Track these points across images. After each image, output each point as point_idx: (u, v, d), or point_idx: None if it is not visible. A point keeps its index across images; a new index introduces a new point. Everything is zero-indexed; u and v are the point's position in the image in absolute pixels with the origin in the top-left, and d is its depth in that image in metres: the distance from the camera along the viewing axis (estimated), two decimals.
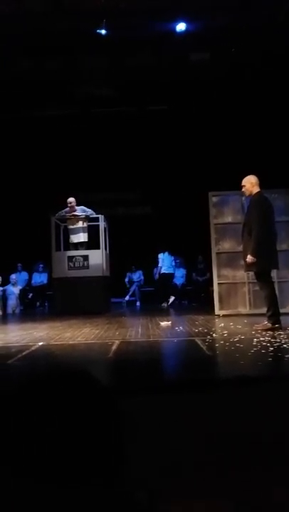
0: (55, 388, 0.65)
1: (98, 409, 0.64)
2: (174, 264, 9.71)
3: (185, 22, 7.57)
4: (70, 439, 0.59)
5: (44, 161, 10.60)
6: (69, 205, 7.67)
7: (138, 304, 10.14)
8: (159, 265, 9.52)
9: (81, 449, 0.59)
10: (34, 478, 0.58)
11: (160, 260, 9.51)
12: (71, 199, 7.71)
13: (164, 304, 9.13)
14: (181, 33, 7.72)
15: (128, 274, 10.62)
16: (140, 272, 10.60)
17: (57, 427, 0.60)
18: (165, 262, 9.50)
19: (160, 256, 9.51)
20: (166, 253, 9.53)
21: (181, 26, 7.69)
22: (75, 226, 7.75)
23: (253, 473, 1.26)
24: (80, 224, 7.75)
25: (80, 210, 7.75)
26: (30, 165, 10.59)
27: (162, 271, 9.46)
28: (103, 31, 7.61)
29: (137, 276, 10.55)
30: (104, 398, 0.66)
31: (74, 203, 7.71)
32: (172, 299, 9.46)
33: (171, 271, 9.60)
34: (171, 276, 9.64)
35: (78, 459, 0.59)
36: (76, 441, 0.60)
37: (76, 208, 7.72)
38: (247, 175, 4.78)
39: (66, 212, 7.75)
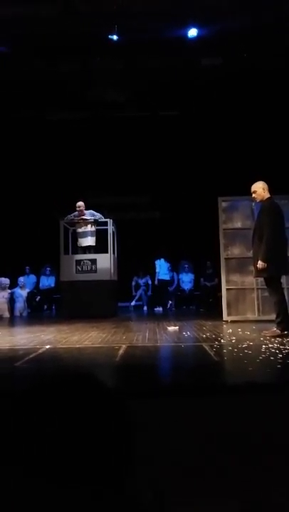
0: (60, 390, 0.64)
1: (104, 410, 0.62)
2: (169, 270, 10.14)
3: (197, 27, 7.59)
4: (76, 441, 0.58)
5: (54, 164, 10.65)
6: (78, 209, 7.70)
7: (145, 308, 10.12)
8: (157, 271, 10.02)
9: (88, 451, 0.58)
10: (40, 479, 0.57)
11: (157, 266, 10.03)
12: (80, 203, 7.73)
13: (160, 309, 9.61)
14: (193, 39, 7.74)
15: (135, 278, 10.60)
16: (148, 277, 10.58)
17: (61, 428, 0.58)
18: (162, 269, 10.00)
19: (157, 262, 10.02)
20: (162, 260, 10.03)
21: (192, 32, 7.71)
22: (83, 230, 7.77)
23: (256, 477, 1.24)
24: (89, 228, 7.77)
25: (89, 214, 7.77)
26: (40, 168, 10.65)
27: (160, 277, 9.98)
28: (115, 37, 7.66)
29: (144, 281, 10.54)
30: (110, 400, 0.65)
31: (83, 207, 7.73)
32: (170, 303, 9.90)
33: (167, 278, 10.07)
34: (167, 282, 10.08)
35: (85, 459, 0.58)
36: (82, 443, 0.58)
37: (85, 212, 7.75)
38: (256, 180, 4.75)
39: (75, 216, 7.78)
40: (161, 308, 9.81)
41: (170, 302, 9.97)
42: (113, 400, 0.65)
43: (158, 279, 10.01)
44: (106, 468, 0.58)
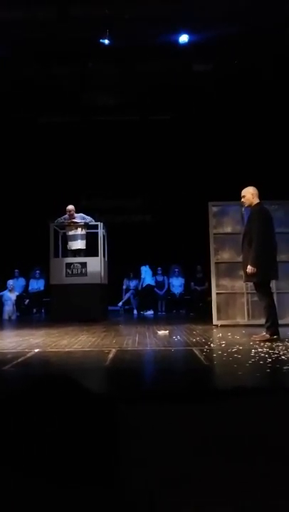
0: (40, 394, 0.63)
1: (84, 412, 0.62)
2: (159, 273, 10.54)
3: (188, 33, 7.65)
4: (61, 441, 0.58)
5: (44, 167, 10.62)
6: (68, 213, 7.67)
7: (135, 312, 10.11)
8: (142, 277, 10.44)
9: (73, 450, 0.57)
10: (32, 479, 0.56)
11: (143, 272, 10.45)
12: (70, 207, 7.71)
13: (150, 312, 9.97)
14: (185, 44, 7.80)
15: (125, 281, 10.59)
16: (137, 280, 10.59)
17: (41, 430, 0.58)
18: (147, 275, 10.42)
19: (142, 269, 10.44)
20: (147, 266, 10.43)
21: (183, 38, 7.77)
22: (73, 233, 7.75)
23: (251, 480, 1.24)
24: (79, 231, 7.75)
25: (80, 218, 7.75)
26: (30, 170, 10.61)
27: (146, 282, 10.34)
28: (106, 41, 7.69)
29: (134, 283, 10.53)
30: (91, 402, 0.65)
31: (73, 211, 7.71)
32: (151, 311, 10.13)
33: (152, 283, 10.41)
34: (153, 287, 10.39)
35: (71, 458, 0.57)
36: (67, 443, 0.58)
37: (75, 215, 7.73)
38: (247, 185, 4.78)
39: (65, 219, 7.75)
40: (152, 312, 9.90)
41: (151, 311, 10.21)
42: (94, 401, 0.65)
43: (144, 285, 10.33)
44: (93, 464, 0.58)
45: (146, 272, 10.42)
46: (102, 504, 0.57)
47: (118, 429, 0.63)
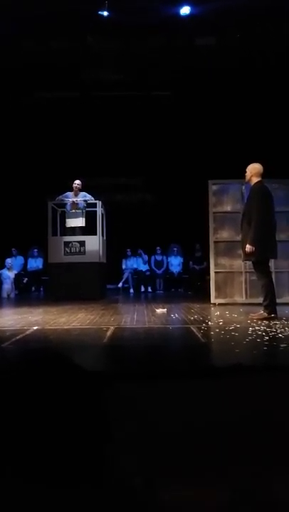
0: (31, 372, 0.62)
1: (76, 389, 0.61)
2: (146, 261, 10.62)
3: (190, 4, 7.43)
4: (48, 418, 0.57)
5: (42, 144, 10.46)
6: (76, 187, 7.68)
7: (131, 291, 10.14)
8: (135, 267, 10.54)
9: (60, 427, 0.57)
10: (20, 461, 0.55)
11: (130, 264, 10.63)
12: (78, 181, 7.75)
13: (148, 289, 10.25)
14: (186, 17, 7.58)
15: (123, 260, 10.60)
16: (135, 258, 10.59)
17: (34, 410, 0.57)
18: (138, 262, 10.57)
19: (131, 260, 10.64)
20: (141, 251, 10.59)
21: (185, 10, 7.56)
22: (74, 210, 7.72)
23: (248, 461, 1.25)
24: (80, 208, 7.75)
25: (82, 196, 7.73)
26: (28, 148, 10.45)
27: (139, 268, 10.57)
28: (105, 13, 7.47)
29: (131, 263, 10.54)
30: (82, 380, 0.64)
31: (80, 186, 7.73)
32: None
33: (144, 268, 10.53)
34: (144, 272, 10.53)
35: (57, 434, 0.56)
36: (54, 420, 0.57)
37: (79, 192, 7.71)
38: (248, 164, 4.73)
39: (67, 197, 7.71)
40: (149, 288, 10.21)
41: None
42: (84, 378, 0.63)
43: (137, 270, 10.52)
44: (83, 444, 0.57)
45: (137, 259, 10.56)
46: (96, 491, 0.56)
47: (108, 407, 0.62)
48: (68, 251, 7.48)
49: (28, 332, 3.57)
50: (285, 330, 3.45)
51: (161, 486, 0.87)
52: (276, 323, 3.87)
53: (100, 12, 7.43)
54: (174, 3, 7.44)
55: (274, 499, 1.13)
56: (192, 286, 9.78)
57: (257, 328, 3.58)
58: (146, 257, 10.60)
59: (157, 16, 7.59)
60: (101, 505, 0.58)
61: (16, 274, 9.60)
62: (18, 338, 3.28)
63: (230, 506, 1.02)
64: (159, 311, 5.20)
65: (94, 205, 7.73)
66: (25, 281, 10.13)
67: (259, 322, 3.99)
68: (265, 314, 4.31)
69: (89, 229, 7.73)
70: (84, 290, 7.08)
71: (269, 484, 1.16)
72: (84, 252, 7.45)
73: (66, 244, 7.51)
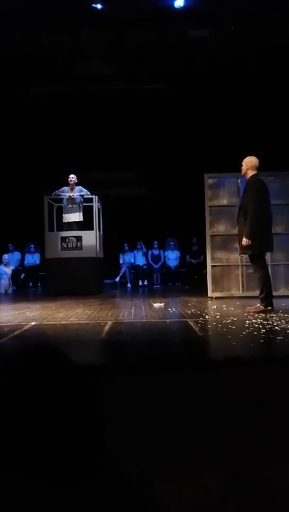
0: (27, 366, 0.63)
1: (70, 384, 0.62)
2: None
3: None
4: (42, 413, 0.58)
5: (38, 139, 10.41)
6: (70, 181, 7.66)
7: (129, 285, 10.15)
8: (132, 261, 10.55)
9: (54, 421, 0.58)
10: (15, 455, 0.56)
11: (127, 258, 10.62)
12: (73, 175, 7.72)
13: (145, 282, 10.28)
14: (181, 9, 7.54)
15: (121, 255, 10.60)
16: (132, 253, 10.60)
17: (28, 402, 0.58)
18: (136, 257, 10.59)
19: (134, 252, 10.66)
20: (141, 244, 10.61)
21: (179, 2, 7.50)
22: (71, 205, 7.71)
23: (247, 453, 1.27)
24: (77, 203, 7.73)
25: (78, 190, 7.71)
26: (24, 142, 10.40)
27: (136, 262, 10.53)
28: (99, 6, 7.41)
29: (129, 257, 10.55)
30: (77, 374, 0.64)
31: (75, 180, 7.70)
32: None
33: (142, 262, 10.53)
34: (142, 266, 10.54)
35: (51, 427, 0.57)
36: (48, 415, 0.58)
37: (75, 187, 7.69)
38: (244, 157, 4.73)
39: (63, 192, 7.69)
40: (146, 282, 10.25)
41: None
42: (78, 374, 0.64)
43: (134, 264, 10.55)
44: (79, 434, 0.58)
45: (135, 254, 10.57)
46: (93, 481, 0.58)
47: (103, 401, 0.63)
48: (65, 246, 7.48)
49: (25, 328, 3.58)
50: (281, 322, 3.48)
51: (159, 477, 0.89)
52: (273, 316, 3.90)
53: (93, 5, 7.37)
54: None
55: (273, 489, 1.15)
56: (189, 280, 9.81)
57: (254, 321, 3.60)
58: (144, 249, 10.62)
59: (151, 8, 7.53)
60: (101, 501, 0.59)
61: (13, 270, 9.59)
62: (16, 333, 3.29)
63: (229, 496, 1.04)
64: (157, 305, 5.22)
65: (90, 200, 7.72)
66: (22, 276, 10.12)
67: (256, 315, 4.01)
68: (262, 307, 4.34)
69: (86, 224, 7.72)
70: (81, 285, 7.09)
71: (268, 475, 1.18)
72: (81, 247, 7.45)
73: (63, 239, 7.50)
